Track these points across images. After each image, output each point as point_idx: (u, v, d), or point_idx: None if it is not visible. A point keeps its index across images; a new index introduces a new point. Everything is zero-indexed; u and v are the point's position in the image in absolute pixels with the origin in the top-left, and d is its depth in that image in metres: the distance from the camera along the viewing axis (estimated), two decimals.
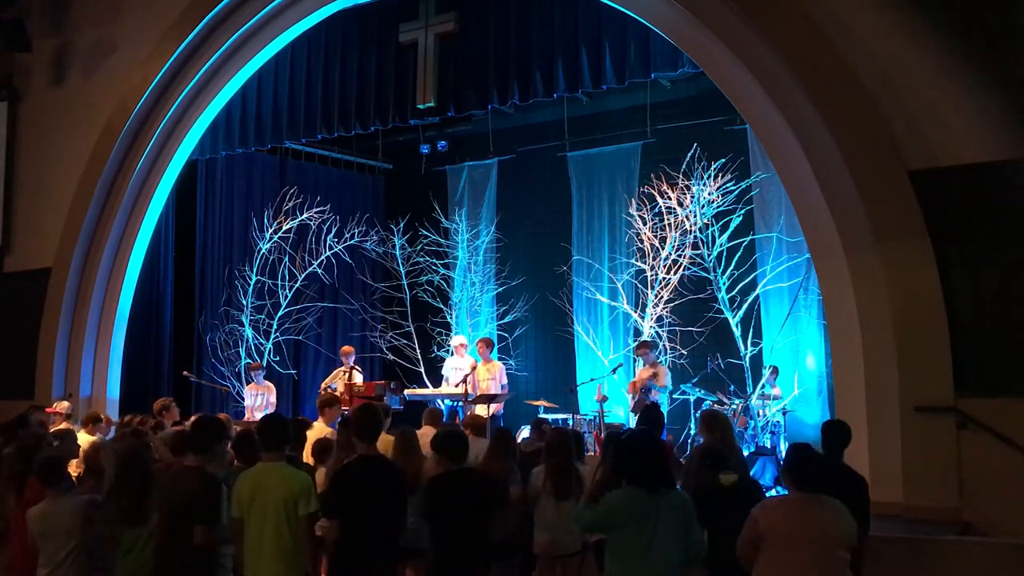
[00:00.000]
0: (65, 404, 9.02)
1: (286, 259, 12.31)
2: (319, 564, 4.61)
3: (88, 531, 4.56)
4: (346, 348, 10.59)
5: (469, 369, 9.91)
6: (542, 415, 9.64)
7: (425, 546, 4.53)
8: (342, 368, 10.27)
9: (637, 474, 3.85)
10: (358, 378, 9.99)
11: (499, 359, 11.37)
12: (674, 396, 9.54)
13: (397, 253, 12.48)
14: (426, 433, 5.87)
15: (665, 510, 3.77)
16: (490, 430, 7.03)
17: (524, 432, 8.45)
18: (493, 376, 9.96)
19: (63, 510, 4.58)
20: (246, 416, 10.20)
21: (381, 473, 4.30)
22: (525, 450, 6.03)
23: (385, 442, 6.07)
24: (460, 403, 9.71)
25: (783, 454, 8.78)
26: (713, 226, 10.01)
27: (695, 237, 10.08)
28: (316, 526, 4.34)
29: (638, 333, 10.79)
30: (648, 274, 10.53)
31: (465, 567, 4.32)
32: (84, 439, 6.84)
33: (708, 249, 9.94)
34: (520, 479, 5.30)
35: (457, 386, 9.82)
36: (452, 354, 10.81)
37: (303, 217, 12.25)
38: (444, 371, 10.78)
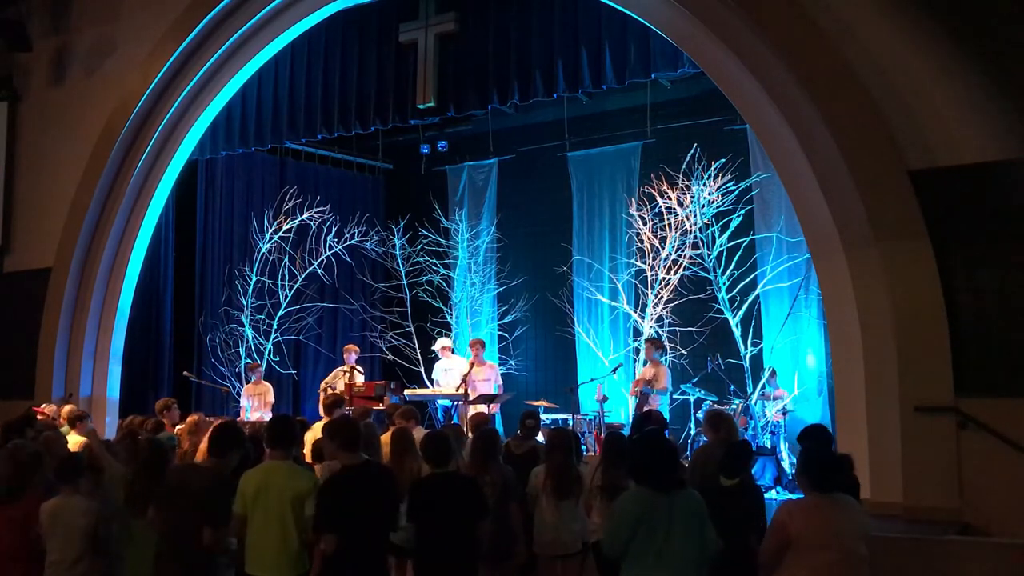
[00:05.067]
0: (52, 408, 8.90)
1: (286, 259, 12.30)
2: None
3: (101, 532, 4.55)
4: (350, 347, 10.53)
5: (468, 368, 9.86)
6: (542, 413, 9.57)
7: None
8: (343, 368, 10.23)
9: (646, 475, 3.85)
10: (359, 378, 9.93)
11: (499, 359, 11.35)
12: (674, 396, 9.52)
13: (397, 253, 12.47)
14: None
15: (679, 510, 3.76)
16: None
17: None
18: (488, 377, 9.93)
19: (78, 509, 4.57)
20: (242, 416, 10.18)
21: (367, 480, 4.28)
22: (515, 452, 5.87)
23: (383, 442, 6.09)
24: (460, 403, 9.68)
25: (783, 454, 8.78)
26: (713, 226, 10.00)
27: (695, 237, 10.07)
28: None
29: (638, 333, 10.77)
30: (648, 274, 10.52)
31: (450, 569, 4.31)
32: (73, 440, 6.72)
33: (708, 249, 9.93)
34: (519, 489, 5.11)
35: (458, 389, 9.78)
36: (439, 358, 10.63)
37: (303, 217, 12.24)
38: (434, 375, 10.62)
